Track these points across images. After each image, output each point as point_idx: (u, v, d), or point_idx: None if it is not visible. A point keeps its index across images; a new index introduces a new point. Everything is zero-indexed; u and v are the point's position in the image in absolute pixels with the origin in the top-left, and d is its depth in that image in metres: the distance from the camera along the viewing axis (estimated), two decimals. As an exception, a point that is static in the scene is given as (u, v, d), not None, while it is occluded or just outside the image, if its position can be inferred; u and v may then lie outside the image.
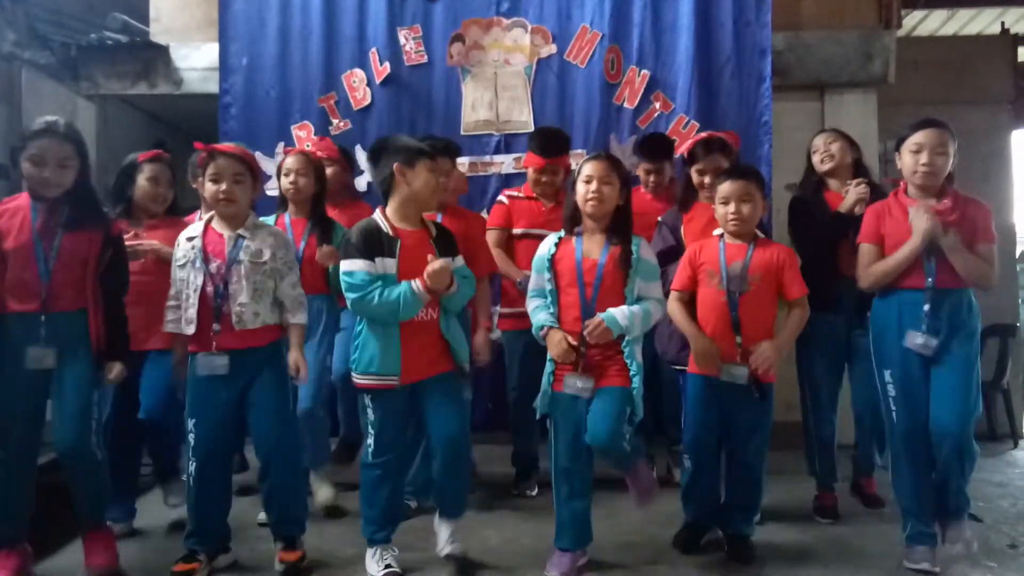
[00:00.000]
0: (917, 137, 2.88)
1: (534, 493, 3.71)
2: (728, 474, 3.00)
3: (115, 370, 2.80)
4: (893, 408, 2.91)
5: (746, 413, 2.91)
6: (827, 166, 3.47)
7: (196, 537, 2.82)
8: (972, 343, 2.85)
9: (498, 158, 4.48)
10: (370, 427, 2.81)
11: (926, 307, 2.81)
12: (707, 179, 3.31)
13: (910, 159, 2.90)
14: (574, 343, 2.72)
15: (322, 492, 3.45)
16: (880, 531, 3.27)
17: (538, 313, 2.82)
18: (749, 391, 2.87)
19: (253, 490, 3.55)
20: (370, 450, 2.81)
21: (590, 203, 2.79)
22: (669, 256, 3.24)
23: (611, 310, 2.71)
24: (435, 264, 2.69)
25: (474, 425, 3.70)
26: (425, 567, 2.87)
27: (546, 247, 2.88)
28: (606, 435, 2.70)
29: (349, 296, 2.73)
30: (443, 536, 2.87)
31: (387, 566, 2.76)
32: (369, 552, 2.83)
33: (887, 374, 2.92)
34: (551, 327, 2.77)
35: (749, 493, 2.98)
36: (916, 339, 2.82)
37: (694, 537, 3.04)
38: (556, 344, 2.74)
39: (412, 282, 2.68)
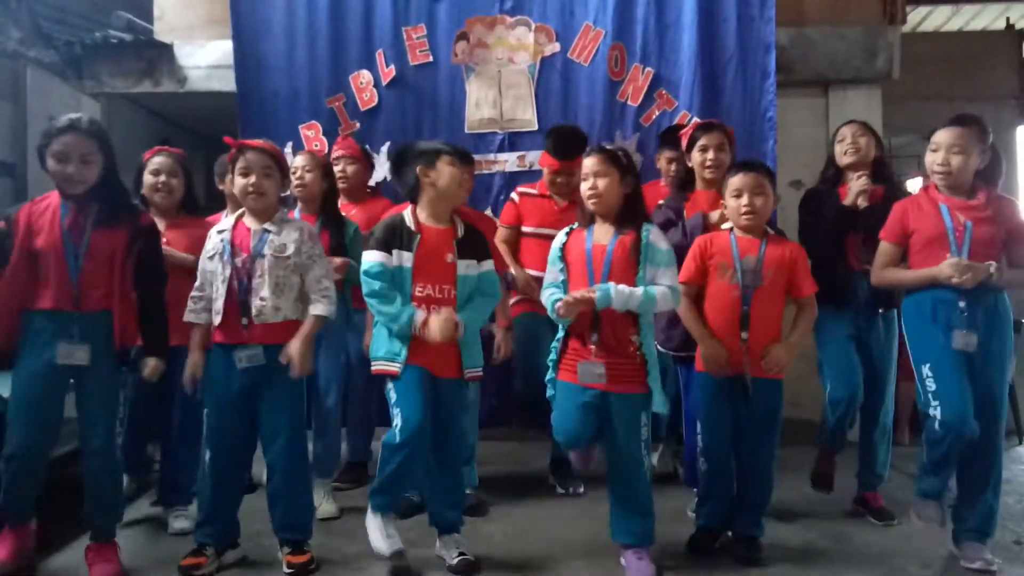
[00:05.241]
0: (936, 136, 2.89)
1: (582, 491, 3.69)
2: (738, 473, 2.99)
3: (149, 367, 2.82)
4: (935, 402, 2.82)
5: (757, 410, 2.90)
6: (850, 159, 3.37)
7: (206, 528, 2.84)
8: (1009, 340, 2.86)
9: (502, 156, 4.48)
10: (394, 407, 2.76)
11: (962, 304, 2.79)
12: (710, 154, 3.32)
13: (929, 158, 2.91)
14: (587, 295, 2.66)
15: (324, 508, 3.38)
16: (886, 529, 3.29)
17: (551, 297, 2.78)
18: (746, 389, 2.86)
19: (255, 488, 3.57)
20: (397, 429, 2.72)
21: (591, 200, 2.80)
22: (667, 227, 3.22)
23: (610, 284, 2.68)
24: (440, 325, 2.68)
25: (480, 422, 3.72)
26: (428, 566, 2.88)
27: (559, 239, 2.89)
28: (625, 450, 2.73)
29: (363, 286, 2.77)
30: (452, 555, 2.84)
31: (389, 535, 2.72)
32: (373, 519, 2.76)
33: (926, 368, 2.86)
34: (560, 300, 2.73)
35: (759, 491, 2.97)
36: (968, 339, 2.78)
37: (709, 540, 2.99)
38: (570, 297, 2.68)
39: (417, 313, 2.71)
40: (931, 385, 2.84)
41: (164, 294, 2.90)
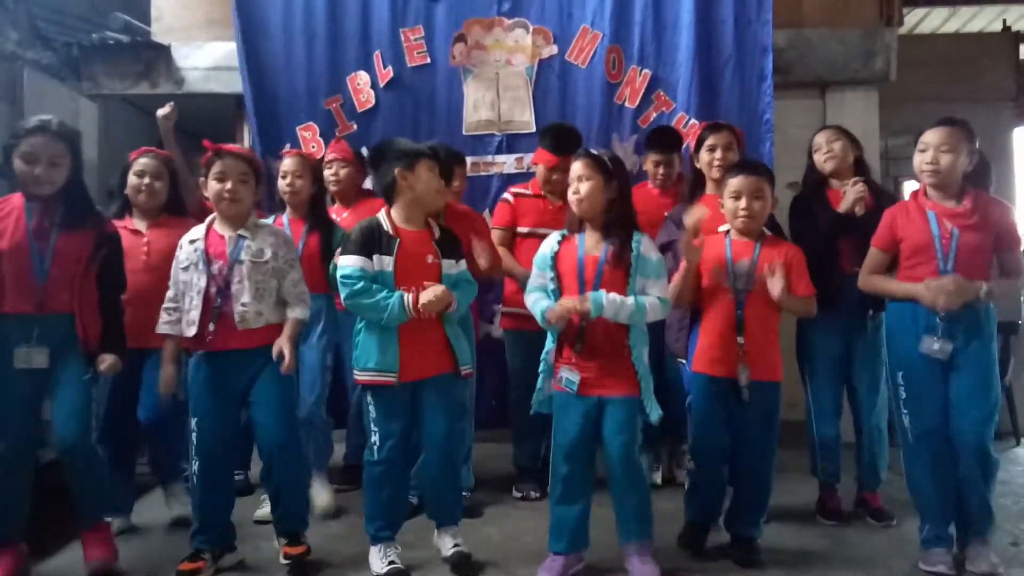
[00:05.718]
0: (925, 136, 2.88)
1: (538, 495, 3.65)
2: (736, 475, 2.98)
3: (107, 362, 2.77)
4: (905, 410, 2.88)
5: (754, 413, 2.89)
6: (830, 166, 3.43)
7: (201, 536, 2.84)
8: (990, 347, 2.85)
9: (500, 158, 4.48)
10: (372, 425, 2.83)
11: (942, 312, 2.78)
12: (718, 153, 3.33)
13: (917, 158, 2.90)
14: (577, 306, 2.65)
15: (321, 498, 3.41)
16: (884, 532, 3.29)
17: (539, 303, 2.79)
18: (740, 392, 2.86)
19: (251, 490, 3.57)
20: (374, 447, 2.83)
21: (574, 204, 2.80)
22: (668, 248, 3.23)
23: (602, 292, 2.67)
24: (435, 291, 2.72)
25: (476, 422, 3.72)
26: (425, 566, 2.89)
27: (548, 245, 2.88)
28: (621, 451, 2.70)
29: (342, 291, 2.77)
30: (447, 545, 2.87)
31: (391, 563, 2.78)
32: (373, 549, 2.85)
33: (899, 376, 2.90)
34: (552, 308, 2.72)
35: (757, 494, 2.96)
36: (932, 345, 2.80)
37: (699, 535, 3.01)
38: (559, 307, 2.68)
39: (405, 295, 2.72)
40: (903, 393, 2.89)
41: (120, 300, 2.89)
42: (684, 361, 3.12)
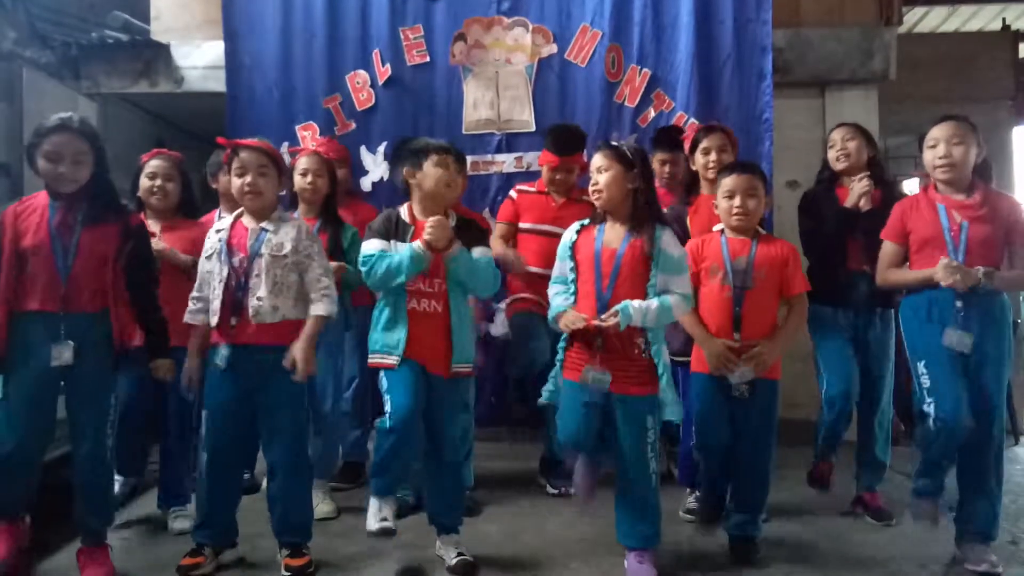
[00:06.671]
0: (933, 132, 2.89)
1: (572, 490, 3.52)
2: (735, 473, 2.99)
3: (163, 368, 2.87)
4: (929, 399, 2.84)
5: (754, 411, 2.90)
6: (842, 165, 3.41)
7: (204, 530, 2.83)
8: (1006, 342, 2.85)
9: (499, 157, 4.48)
10: (385, 394, 2.79)
11: (958, 304, 2.79)
12: (712, 156, 3.35)
13: (929, 155, 2.91)
14: (590, 323, 2.65)
15: (321, 508, 3.36)
16: (884, 531, 3.29)
17: (556, 299, 2.80)
18: (750, 390, 2.86)
19: (256, 489, 3.57)
20: (387, 416, 2.76)
21: (594, 196, 2.79)
22: None
23: (627, 302, 2.64)
24: (432, 219, 2.71)
25: (476, 421, 3.72)
26: (425, 567, 2.88)
27: (569, 235, 2.86)
28: (632, 454, 2.70)
29: (364, 272, 2.78)
30: (451, 554, 2.85)
31: (383, 519, 2.75)
32: (372, 506, 2.80)
33: (921, 365, 2.88)
34: (563, 312, 2.73)
35: (755, 493, 2.97)
36: (951, 337, 2.79)
37: (716, 505, 3.13)
38: (571, 319, 2.68)
39: (413, 243, 2.73)
40: (925, 382, 2.86)
41: (156, 294, 2.88)
42: (685, 360, 3.13)
